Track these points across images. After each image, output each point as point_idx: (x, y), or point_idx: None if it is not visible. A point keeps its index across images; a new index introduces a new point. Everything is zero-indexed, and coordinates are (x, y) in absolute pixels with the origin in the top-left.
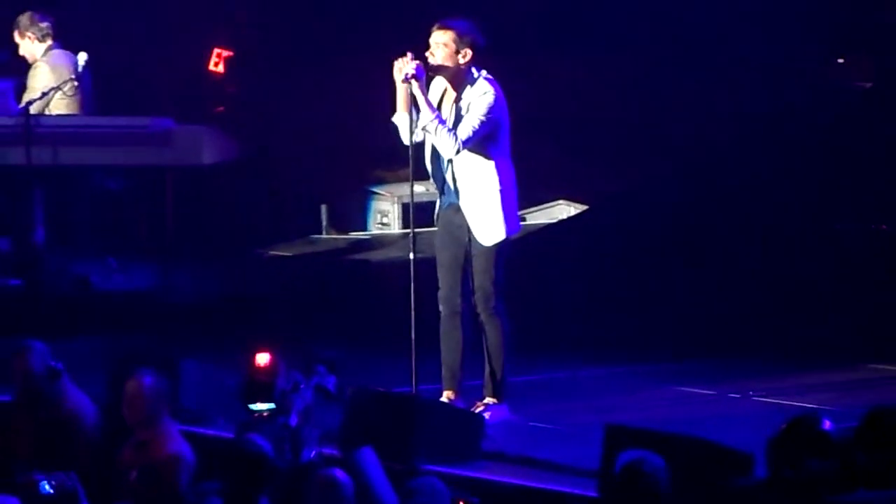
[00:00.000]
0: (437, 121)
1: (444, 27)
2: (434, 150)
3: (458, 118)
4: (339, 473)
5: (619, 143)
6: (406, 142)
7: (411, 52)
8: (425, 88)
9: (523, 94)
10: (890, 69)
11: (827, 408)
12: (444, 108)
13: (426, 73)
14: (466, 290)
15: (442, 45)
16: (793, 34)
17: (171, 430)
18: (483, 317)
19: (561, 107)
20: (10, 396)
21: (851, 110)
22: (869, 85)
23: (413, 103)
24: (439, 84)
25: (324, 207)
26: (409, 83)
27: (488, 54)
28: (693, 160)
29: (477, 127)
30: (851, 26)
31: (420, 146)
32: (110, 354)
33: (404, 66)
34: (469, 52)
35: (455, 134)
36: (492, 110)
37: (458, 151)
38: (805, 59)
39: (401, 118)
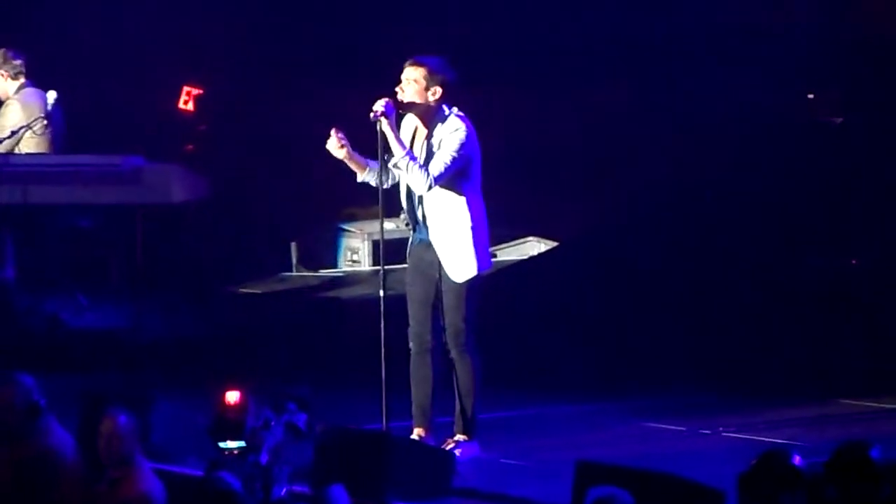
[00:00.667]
0: (408, 158)
1: (415, 63)
2: (408, 187)
3: (430, 155)
4: None
5: (589, 179)
6: (374, 184)
7: (383, 92)
8: (395, 126)
9: (495, 131)
10: (859, 104)
11: (797, 443)
12: (415, 146)
13: (396, 111)
14: (437, 327)
15: (413, 81)
16: (762, 70)
17: (144, 468)
18: (454, 353)
19: (532, 143)
20: None
21: (822, 145)
22: (839, 120)
23: (384, 142)
24: (410, 121)
25: (294, 245)
26: (379, 121)
27: (460, 91)
28: (664, 196)
29: (449, 163)
30: (822, 62)
31: (395, 183)
32: (81, 392)
33: (374, 106)
34: (439, 90)
35: (427, 170)
36: (463, 146)
37: (430, 187)
38: (775, 94)
39: (366, 176)
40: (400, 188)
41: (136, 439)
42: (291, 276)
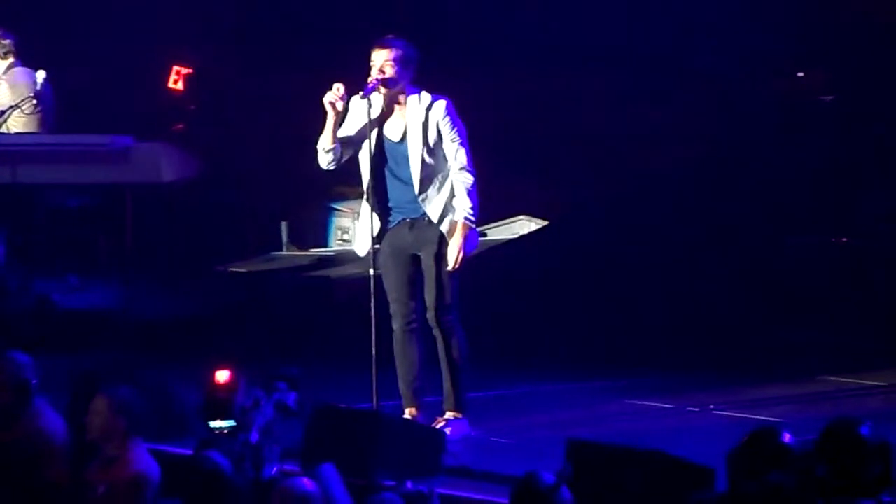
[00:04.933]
0: (470, 215)
1: (384, 45)
2: (393, 169)
3: (415, 133)
4: (308, 483)
5: (580, 158)
6: (333, 157)
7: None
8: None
9: (483, 111)
10: (851, 82)
11: (787, 420)
12: (389, 129)
13: (376, 88)
14: (419, 306)
15: (386, 62)
16: (753, 47)
17: (138, 448)
18: (439, 331)
19: (521, 123)
20: None
21: (812, 123)
22: (829, 98)
23: (377, 118)
24: (376, 106)
25: (284, 224)
26: (371, 94)
27: (440, 73)
28: (651, 175)
29: (464, 145)
30: (813, 39)
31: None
32: (72, 372)
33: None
34: (411, 69)
35: (462, 173)
36: (459, 122)
37: (473, 174)
38: (765, 71)
39: (331, 146)
40: (362, 169)
41: (130, 418)
42: (281, 255)
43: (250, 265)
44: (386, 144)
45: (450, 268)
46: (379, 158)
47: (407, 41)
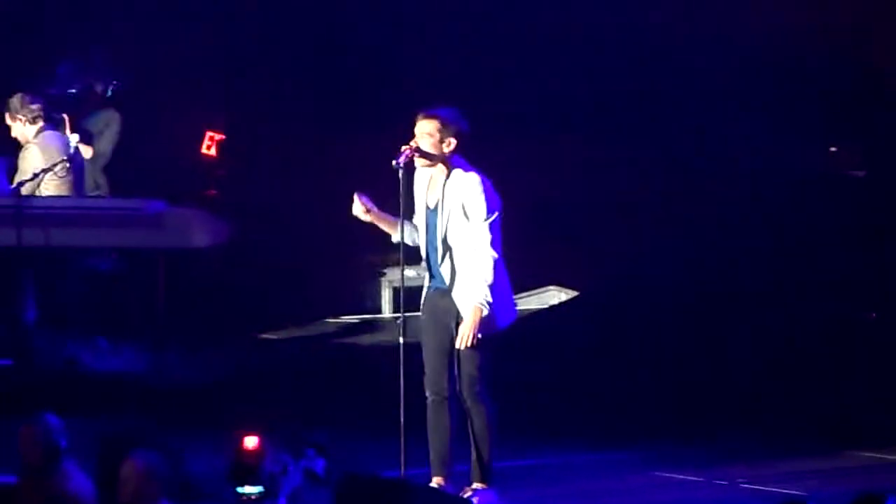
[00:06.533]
0: (483, 297)
1: (427, 116)
2: (427, 236)
3: (447, 207)
4: None
5: (610, 231)
6: (410, 243)
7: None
8: (409, 178)
9: (513, 180)
10: (881, 158)
11: (814, 495)
12: (429, 197)
13: (412, 161)
14: (453, 375)
15: (426, 133)
16: (786, 121)
17: None
18: (468, 401)
19: (552, 192)
20: (14, 477)
21: (844, 197)
22: (861, 174)
23: (405, 192)
24: (424, 173)
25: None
26: (402, 169)
27: (474, 142)
28: (683, 248)
29: (487, 227)
30: (844, 116)
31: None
32: (100, 435)
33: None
34: (453, 141)
35: (482, 260)
36: (489, 203)
37: (493, 258)
38: (797, 146)
39: (399, 235)
40: (419, 239)
41: (160, 483)
42: (311, 322)
43: (280, 332)
44: (427, 212)
45: (460, 347)
46: (424, 226)
47: (457, 112)
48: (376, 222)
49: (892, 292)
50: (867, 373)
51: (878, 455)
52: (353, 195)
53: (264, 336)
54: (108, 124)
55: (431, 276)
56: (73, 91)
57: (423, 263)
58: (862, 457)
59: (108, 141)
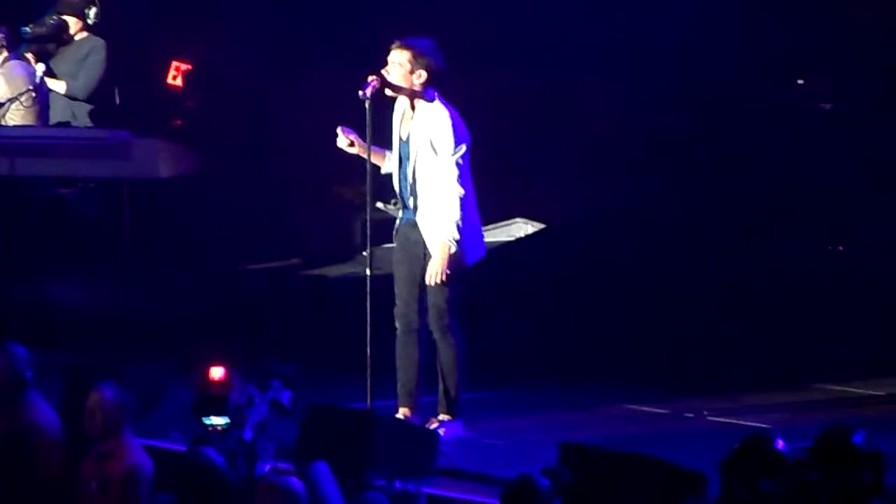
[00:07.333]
0: (452, 236)
1: (401, 46)
2: (400, 168)
3: (416, 140)
4: (294, 482)
5: (578, 162)
6: (386, 170)
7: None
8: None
9: (482, 114)
10: (850, 90)
11: (780, 427)
12: (403, 128)
13: (381, 91)
14: (423, 307)
15: (398, 63)
16: (752, 55)
17: (132, 442)
18: (436, 334)
19: (519, 125)
20: None
21: (812, 131)
22: (829, 106)
23: (372, 122)
24: (402, 103)
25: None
26: (368, 100)
27: (448, 74)
28: (649, 180)
29: (455, 160)
30: (812, 47)
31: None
32: (66, 366)
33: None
34: (424, 74)
35: (448, 194)
36: (456, 139)
37: (459, 195)
38: (765, 79)
39: (388, 166)
40: (392, 171)
41: (124, 413)
42: (280, 255)
43: (248, 263)
44: (400, 143)
45: (429, 283)
46: (397, 157)
47: (432, 44)
48: (362, 154)
49: (859, 225)
50: (835, 307)
51: (845, 388)
52: (324, 125)
53: (232, 268)
54: (91, 52)
55: (404, 208)
56: (54, 21)
57: (395, 200)
58: (829, 390)
59: (93, 69)
